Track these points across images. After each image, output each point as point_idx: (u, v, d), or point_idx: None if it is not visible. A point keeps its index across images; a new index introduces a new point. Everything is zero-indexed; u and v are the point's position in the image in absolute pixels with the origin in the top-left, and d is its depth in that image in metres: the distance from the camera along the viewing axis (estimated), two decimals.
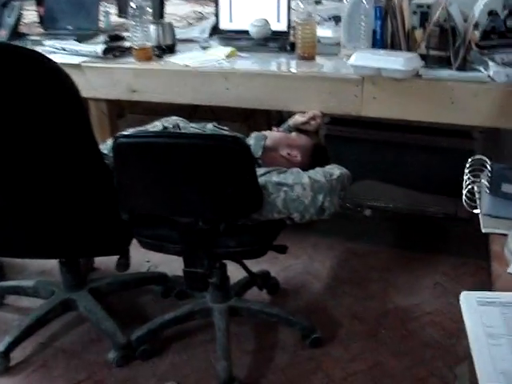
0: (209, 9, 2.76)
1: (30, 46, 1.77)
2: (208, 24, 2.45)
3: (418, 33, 1.96)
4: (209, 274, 1.55)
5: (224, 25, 2.33)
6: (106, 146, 1.66)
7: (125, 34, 2.37)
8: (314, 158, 1.78)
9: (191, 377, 1.73)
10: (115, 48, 2.18)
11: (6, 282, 2.09)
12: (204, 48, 2.22)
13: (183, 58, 2.11)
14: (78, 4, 2.55)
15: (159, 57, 2.15)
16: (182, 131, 1.54)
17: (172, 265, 2.02)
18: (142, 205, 1.48)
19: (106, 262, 2.14)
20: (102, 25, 2.70)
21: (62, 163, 1.44)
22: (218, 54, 2.12)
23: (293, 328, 1.84)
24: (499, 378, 0.76)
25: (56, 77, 1.34)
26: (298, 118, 1.91)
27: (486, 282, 1.17)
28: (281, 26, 2.25)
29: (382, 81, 1.81)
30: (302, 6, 1.97)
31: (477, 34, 1.94)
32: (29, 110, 1.35)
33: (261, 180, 1.45)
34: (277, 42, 2.18)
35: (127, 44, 2.21)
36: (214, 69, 2.00)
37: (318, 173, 1.51)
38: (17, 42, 2.31)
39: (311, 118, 1.87)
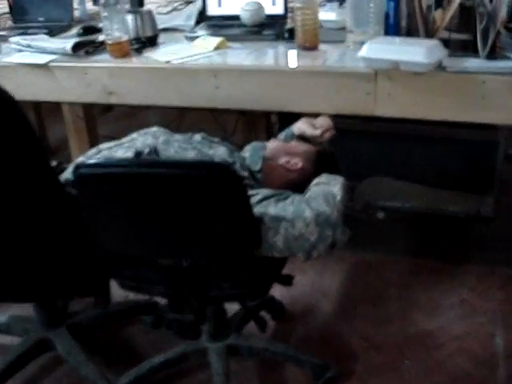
0: None
1: None
2: (194, 9, 2.16)
3: (438, 14, 1.68)
4: (200, 319, 1.30)
5: (212, 10, 2.05)
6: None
7: (102, 24, 2.08)
8: (320, 166, 1.52)
9: None
10: (87, 43, 1.89)
11: None
12: (190, 39, 1.93)
13: (165, 53, 1.82)
14: None
15: (138, 51, 1.86)
16: (156, 159, 1.26)
17: None
18: (114, 244, 1.22)
19: None
20: (77, 14, 2.42)
21: (18, 201, 1.18)
22: (205, 46, 1.84)
23: (303, 367, 1.59)
24: None
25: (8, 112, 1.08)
26: (306, 129, 1.62)
27: None
28: (277, 9, 1.97)
29: (398, 75, 1.53)
30: None
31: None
32: None
33: (256, 211, 1.19)
34: (273, 28, 1.90)
35: (102, 38, 1.92)
36: (200, 65, 1.72)
37: (318, 198, 1.24)
38: None
39: (325, 130, 1.58)
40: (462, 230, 2.22)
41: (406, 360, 1.66)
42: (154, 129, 1.51)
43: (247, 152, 1.49)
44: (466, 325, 1.78)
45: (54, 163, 1.54)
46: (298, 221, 1.18)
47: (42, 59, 1.84)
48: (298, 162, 1.47)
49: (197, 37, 1.92)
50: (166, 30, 2.06)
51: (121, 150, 1.42)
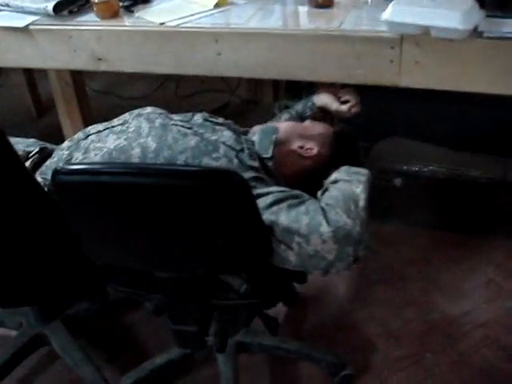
0: None
1: None
2: None
3: None
4: (205, 331, 1.16)
5: None
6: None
7: None
8: (338, 152, 1.34)
9: None
10: (71, 2, 1.67)
11: None
12: None
13: (160, 12, 1.60)
14: None
15: (128, 10, 1.64)
16: (145, 164, 1.06)
17: None
18: (103, 255, 1.07)
19: None
20: None
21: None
22: (204, 3, 1.61)
23: (318, 364, 1.48)
24: None
25: None
26: (330, 103, 1.47)
27: None
28: None
29: (428, 41, 1.32)
30: None
31: None
32: None
33: (266, 218, 1.02)
34: None
35: None
36: (199, 28, 1.51)
37: (337, 205, 1.04)
38: None
39: (353, 105, 1.42)
40: (487, 199, 2.05)
41: (427, 353, 1.54)
42: (149, 109, 1.32)
43: (256, 135, 1.30)
44: (492, 310, 1.65)
45: (35, 149, 1.37)
46: (313, 236, 1.00)
47: (21, 22, 1.62)
48: (313, 147, 1.29)
49: None
50: None
51: (111, 136, 1.24)
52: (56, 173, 0.94)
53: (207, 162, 1.15)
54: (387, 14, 1.31)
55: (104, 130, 1.29)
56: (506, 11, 1.36)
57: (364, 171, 1.18)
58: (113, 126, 1.29)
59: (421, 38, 1.32)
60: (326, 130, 1.36)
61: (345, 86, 1.52)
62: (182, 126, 1.24)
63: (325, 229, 0.99)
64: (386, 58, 1.38)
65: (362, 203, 1.06)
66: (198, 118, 1.30)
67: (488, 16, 1.33)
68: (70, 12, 1.65)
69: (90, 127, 1.34)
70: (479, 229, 1.94)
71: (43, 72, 2.44)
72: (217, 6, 1.59)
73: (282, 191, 1.09)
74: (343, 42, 1.40)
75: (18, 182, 1.01)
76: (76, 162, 1.10)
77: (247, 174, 1.14)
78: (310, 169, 1.29)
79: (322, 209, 1.03)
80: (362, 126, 1.73)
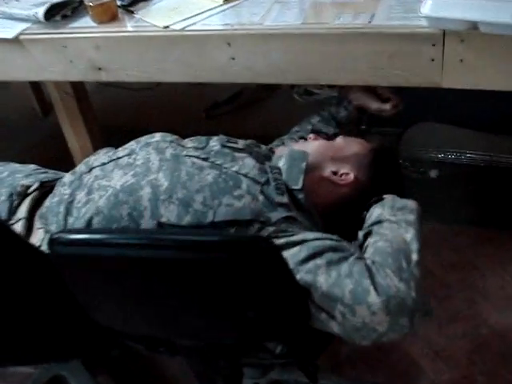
0: None
1: None
2: None
3: None
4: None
5: None
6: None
7: None
8: (378, 173, 1.18)
9: None
10: (64, 4, 1.49)
11: None
12: None
13: (163, 12, 1.42)
14: None
15: (128, 10, 1.47)
16: (157, 234, 0.89)
17: None
18: (113, 323, 0.94)
19: None
20: None
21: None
22: None
23: None
24: None
25: None
26: (370, 102, 1.38)
27: None
28: None
29: (474, 36, 1.13)
30: None
31: None
32: None
33: (301, 277, 0.87)
34: None
35: None
36: (208, 30, 1.33)
37: (385, 263, 0.88)
38: None
39: (396, 104, 1.34)
40: None
41: (479, 375, 1.40)
42: (158, 137, 1.16)
43: (283, 161, 1.13)
44: None
45: (35, 182, 1.23)
46: (359, 307, 0.83)
47: (10, 32, 1.46)
48: (348, 172, 1.13)
49: None
50: None
51: (117, 171, 1.09)
52: (52, 242, 0.80)
53: (228, 201, 1.00)
54: (427, 7, 1.12)
55: (109, 162, 1.14)
56: None
57: (412, 205, 1.02)
58: (118, 158, 1.14)
59: (466, 33, 1.13)
60: (362, 148, 1.20)
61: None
62: (197, 157, 1.08)
63: (373, 299, 0.83)
64: (426, 57, 1.20)
65: (415, 257, 0.90)
66: (215, 143, 1.14)
67: None
68: (64, 16, 1.48)
69: (92, 158, 1.19)
70: None
71: None
72: (226, 0, 1.41)
73: (318, 239, 0.94)
74: (375, 40, 1.22)
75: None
76: (75, 229, 0.94)
77: (275, 215, 0.99)
78: (346, 197, 1.13)
79: (368, 269, 0.87)
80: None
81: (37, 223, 1.13)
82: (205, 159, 1.08)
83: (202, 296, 0.80)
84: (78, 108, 1.65)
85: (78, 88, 1.66)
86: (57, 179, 1.26)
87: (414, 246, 0.92)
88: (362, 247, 0.98)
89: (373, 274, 0.86)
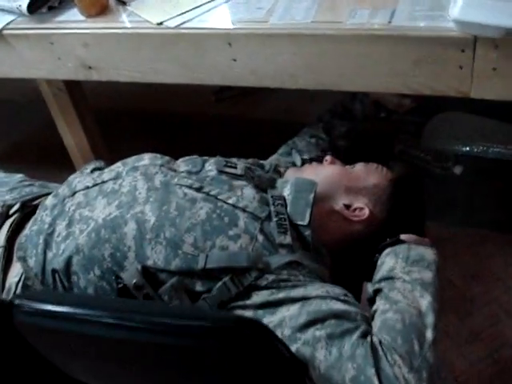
0: None
1: None
2: None
3: None
4: None
5: None
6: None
7: None
8: (397, 209, 1.04)
9: None
10: None
11: None
12: None
13: (156, 5, 1.27)
14: None
15: (120, 1, 1.32)
16: (130, 313, 0.76)
17: None
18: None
19: None
20: None
21: None
22: None
23: None
24: None
25: None
26: (391, 96, 1.32)
27: None
28: None
29: (510, 42, 0.97)
30: None
31: None
32: None
33: (298, 349, 0.76)
34: None
35: None
36: (206, 28, 1.18)
37: (394, 345, 0.76)
38: None
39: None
40: None
41: None
42: (146, 160, 1.04)
43: (288, 190, 1.00)
44: None
45: (17, 205, 1.12)
46: None
47: None
48: (363, 207, 1.00)
49: None
50: None
51: (100, 199, 0.98)
52: (13, 308, 0.70)
53: (222, 243, 0.88)
54: (457, 10, 0.96)
55: (93, 186, 1.02)
56: None
57: (429, 255, 0.89)
58: (103, 182, 1.02)
59: (501, 38, 0.97)
60: (382, 180, 1.05)
61: None
62: (190, 187, 0.95)
63: None
64: (454, 64, 1.04)
65: (429, 335, 0.78)
66: (211, 167, 1.01)
67: None
68: (50, 8, 1.34)
69: (76, 179, 1.07)
70: None
71: None
72: None
73: (320, 297, 0.81)
74: (396, 44, 1.06)
75: None
76: (40, 296, 0.82)
77: (276, 260, 0.87)
78: (357, 235, 1.00)
79: (374, 352, 0.75)
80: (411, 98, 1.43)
81: (16, 254, 1.02)
82: (198, 189, 0.95)
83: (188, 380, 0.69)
84: (72, 105, 1.52)
85: (71, 84, 1.53)
86: (42, 196, 1.16)
87: (430, 320, 0.80)
88: (371, 301, 0.86)
89: (378, 359, 0.74)
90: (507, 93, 1.06)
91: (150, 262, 0.88)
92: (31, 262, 0.98)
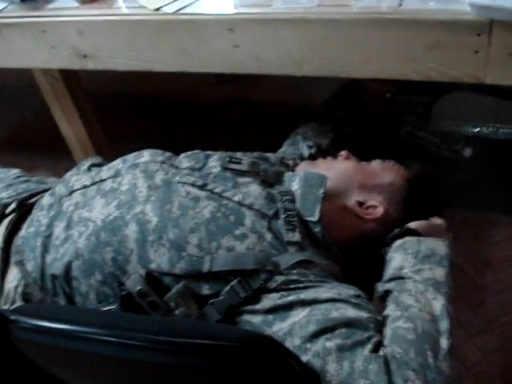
0: None
1: None
2: None
3: None
4: None
5: None
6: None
7: None
8: (413, 209, 0.99)
9: None
10: None
11: None
12: None
13: None
14: None
15: None
16: (130, 331, 0.70)
17: None
18: None
19: None
20: None
21: None
22: None
23: None
24: None
25: None
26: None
27: None
28: None
29: None
30: None
31: None
32: None
33: (308, 360, 0.72)
34: None
35: None
36: (205, 14, 1.12)
37: (408, 363, 0.70)
38: None
39: None
40: None
41: None
42: (146, 156, 0.99)
43: (296, 182, 0.95)
44: None
45: (13, 204, 1.08)
46: None
47: None
48: (377, 205, 0.95)
49: None
50: None
51: (99, 198, 0.93)
52: (10, 322, 0.66)
53: (228, 243, 0.84)
54: None
55: (91, 185, 0.98)
56: None
57: (441, 249, 0.85)
58: (101, 180, 0.98)
59: None
60: (400, 178, 1.00)
61: None
62: (193, 185, 0.91)
63: None
64: (469, 48, 0.99)
65: (444, 344, 0.73)
66: (214, 163, 0.96)
67: None
68: None
69: (73, 177, 1.03)
70: None
71: None
72: None
73: (331, 300, 0.77)
74: (408, 28, 1.01)
75: None
76: (37, 312, 0.77)
77: (285, 260, 0.83)
78: (370, 234, 0.96)
79: (387, 367, 0.70)
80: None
81: (13, 257, 0.98)
82: (201, 187, 0.90)
83: None
84: (68, 94, 1.47)
85: (67, 73, 1.48)
86: (39, 192, 1.12)
87: (444, 326, 0.75)
88: (382, 299, 0.83)
89: (391, 375, 0.70)
90: None
91: (153, 266, 0.84)
92: (29, 266, 0.94)
